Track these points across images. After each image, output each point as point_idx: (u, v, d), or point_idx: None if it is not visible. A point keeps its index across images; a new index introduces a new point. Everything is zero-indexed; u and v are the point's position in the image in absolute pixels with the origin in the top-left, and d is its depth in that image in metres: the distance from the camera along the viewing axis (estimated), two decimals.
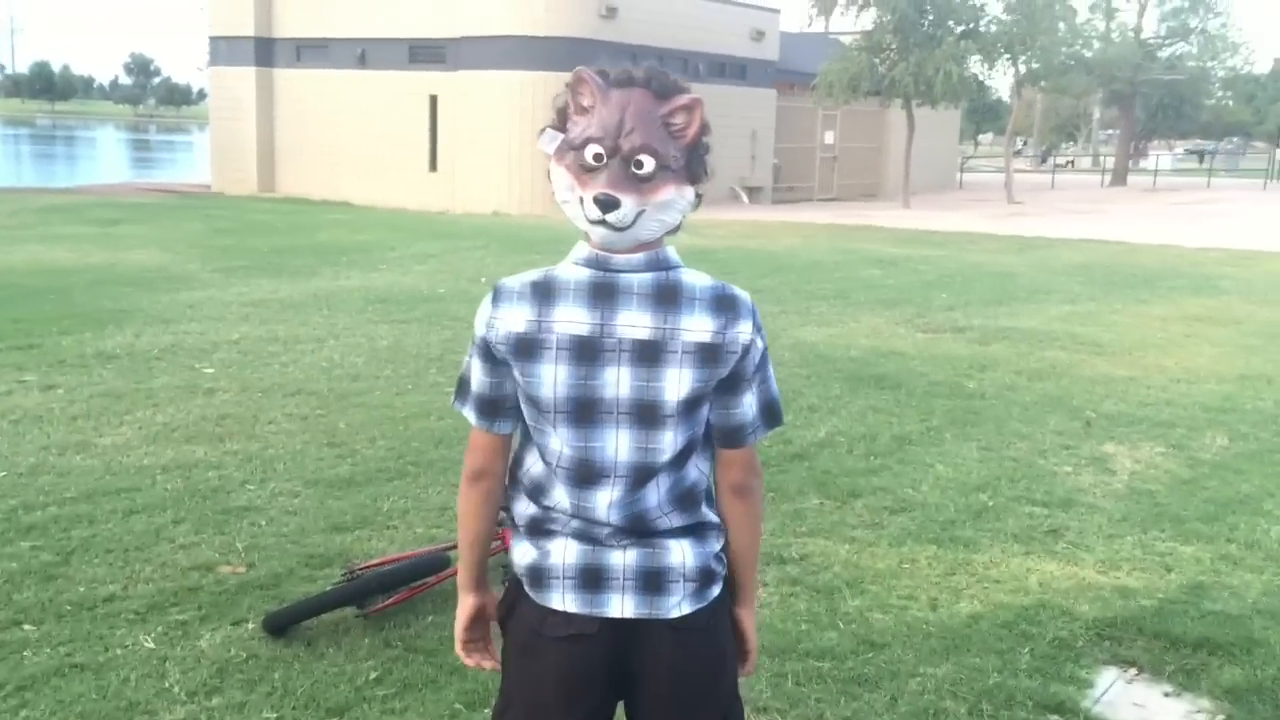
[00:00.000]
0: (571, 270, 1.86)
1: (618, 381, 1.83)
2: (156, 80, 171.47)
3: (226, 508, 4.75)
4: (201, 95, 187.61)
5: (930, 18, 25.06)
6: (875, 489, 5.26)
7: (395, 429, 6.03)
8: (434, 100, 25.11)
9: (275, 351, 7.82)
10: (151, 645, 3.54)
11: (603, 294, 1.83)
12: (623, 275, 1.83)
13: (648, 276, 1.83)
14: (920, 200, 27.57)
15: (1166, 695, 3.51)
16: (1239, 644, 3.76)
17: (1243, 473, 5.68)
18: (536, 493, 1.92)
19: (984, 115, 68.50)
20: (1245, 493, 5.37)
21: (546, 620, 1.89)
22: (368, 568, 3.87)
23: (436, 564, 3.86)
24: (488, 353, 1.89)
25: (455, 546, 3.71)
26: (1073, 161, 61.14)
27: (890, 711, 3.29)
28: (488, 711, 2.55)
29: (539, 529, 1.93)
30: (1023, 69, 28.24)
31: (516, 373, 1.87)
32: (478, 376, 1.92)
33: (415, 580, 3.83)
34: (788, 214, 23.31)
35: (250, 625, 3.68)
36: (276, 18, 27.29)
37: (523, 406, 1.90)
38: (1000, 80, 40.80)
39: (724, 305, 1.84)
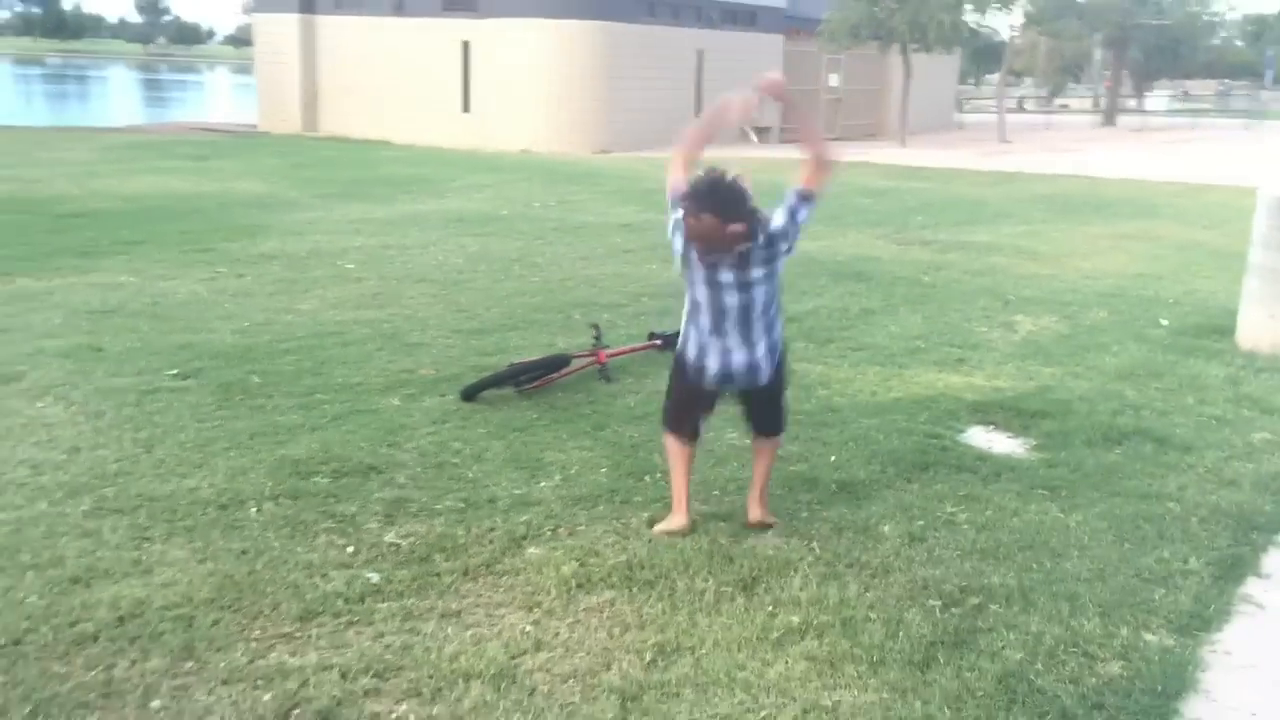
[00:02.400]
0: None
1: None
2: (166, 19, 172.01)
3: (406, 343, 7.12)
4: (211, 35, 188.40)
5: None
6: (844, 338, 7.60)
7: (500, 302, 8.38)
8: (466, 45, 27.16)
9: (392, 254, 10.17)
10: (398, 403, 5.90)
11: None
12: None
13: None
14: (918, 139, 29.65)
15: (1008, 436, 5.85)
16: (1058, 412, 6.09)
17: (1107, 332, 8.01)
18: None
19: (988, 57, 70.01)
20: (1102, 342, 7.70)
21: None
22: (521, 363, 6.22)
23: (561, 362, 6.23)
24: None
25: (571, 355, 6.07)
26: (1067, 105, 62.72)
27: (840, 437, 5.62)
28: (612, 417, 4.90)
29: None
30: (1016, 14, 30.18)
31: None
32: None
33: (549, 372, 6.18)
34: (793, 152, 25.37)
35: (450, 396, 6.03)
36: None
37: None
38: (1002, 23, 42.43)
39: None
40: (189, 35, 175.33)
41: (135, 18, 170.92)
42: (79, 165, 17.45)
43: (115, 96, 61.01)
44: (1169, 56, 50.82)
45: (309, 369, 6.45)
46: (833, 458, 5.28)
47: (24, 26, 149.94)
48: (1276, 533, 4.66)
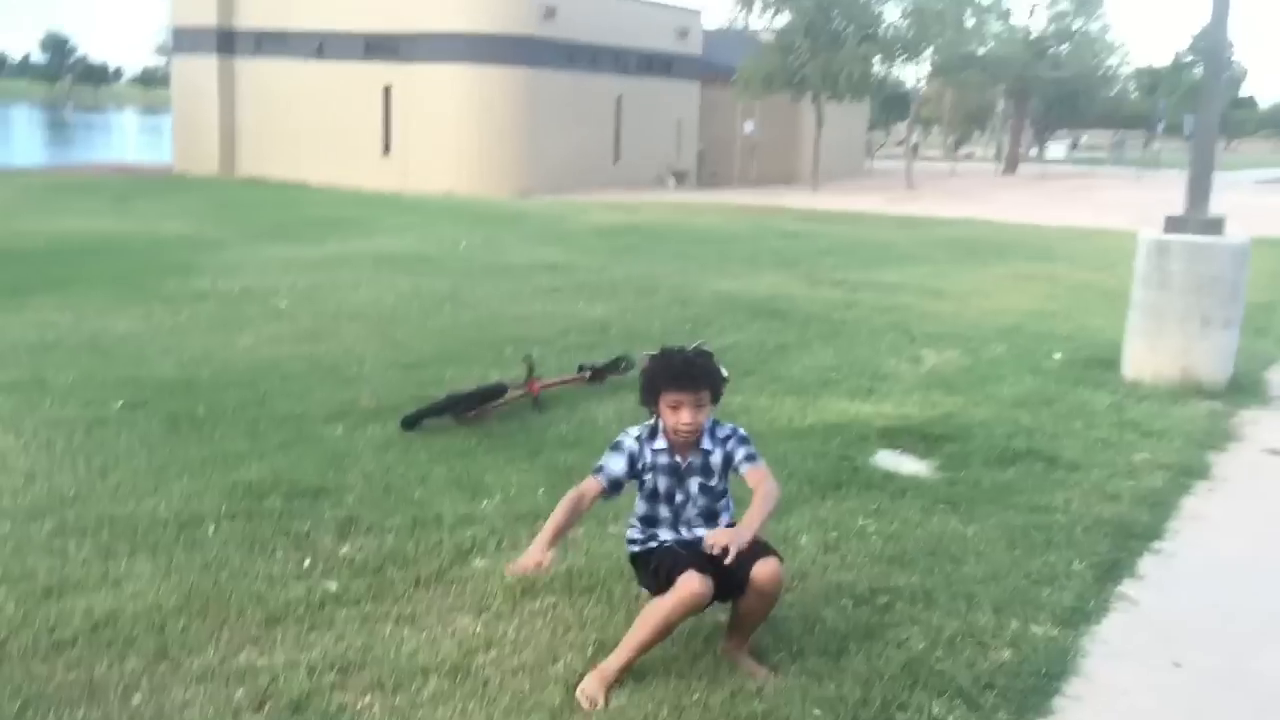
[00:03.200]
0: None
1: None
2: (73, 59, 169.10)
3: (345, 376, 7.40)
4: (118, 74, 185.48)
5: (835, 22, 28.05)
6: (762, 370, 8.06)
7: (434, 337, 8.70)
8: (387, 90, 27.50)
9: (324, 293, 10.43)
10: (340, 432, 6.19)
11: None
12: None
13: None
14: (829, 185, 30.63)
15: (914, 458, 6.32)
16: (959, 436, 6.58)
17: (1005, 365, 8.58)
18: None
19: (896, 106, 72.27)
20: (999, 374, 8.26)
21: None
22: (459, 393, 6.55)
23: (498, 391, 6.58)
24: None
25: (506, 387, 6.41)
26: (972, 153, 64.93)
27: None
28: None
29: None
30: (921, 67, 31.47)
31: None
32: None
33: (485, 401, 6.52)
34: (710, 197, 26.15)
35: (390, 425, 6.32)
36: (238, 9, 29.40)
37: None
38: (909, 75, 44.33)
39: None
40: (96, 75, 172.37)
41: (40, 56, 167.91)
42: None
43: (20, 136, 59.95)
44: (1068, 107, 53.10)
45: (252, 400, 6.70)
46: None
47: None
48: (1152, 540, 5.16)
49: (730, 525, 3.83)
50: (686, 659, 3.80)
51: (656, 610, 3.60)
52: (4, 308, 9.22)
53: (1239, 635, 4.30)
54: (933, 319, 10.38)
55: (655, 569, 3.78)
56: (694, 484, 3.86)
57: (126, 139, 62.63)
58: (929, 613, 4.21)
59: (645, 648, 3.63)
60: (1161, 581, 4.72)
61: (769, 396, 7.33)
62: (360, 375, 7.44)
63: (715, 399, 3.84)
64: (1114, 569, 4.76)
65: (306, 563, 4.43)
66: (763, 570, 3.61)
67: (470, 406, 6.46)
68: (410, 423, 6.27)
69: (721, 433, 3.92)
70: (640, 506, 3.93)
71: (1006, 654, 3.94)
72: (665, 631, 3.62)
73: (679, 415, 3.74)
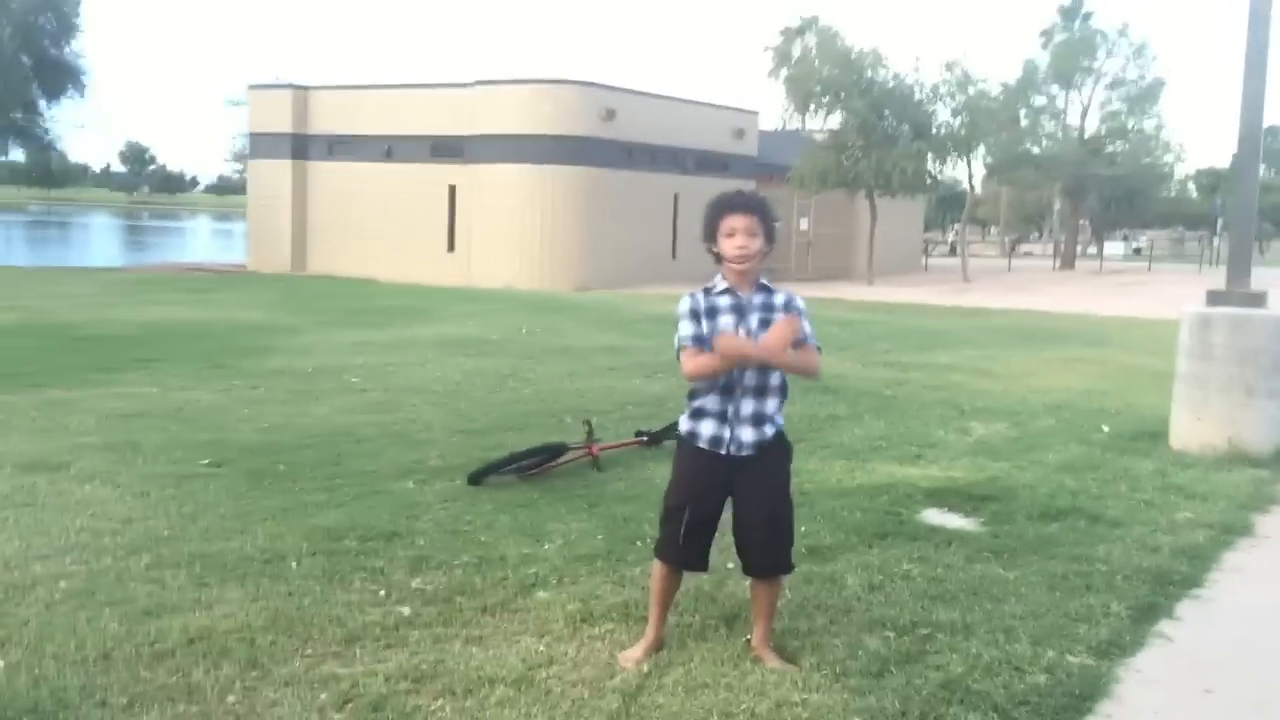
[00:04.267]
0: None
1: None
2: (151, 168, 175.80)
3: (414, 440, 7.79)
4: (194, 183, 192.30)
5: (887, 120, 28.69)
6: (813, 438, 8.32)
7: (497, 409, 9.10)
8: (452, 189, 28.46)
9: (393, 370, 10.91)
10: (411, 486, 6.56)
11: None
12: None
13: None
14: (885, 280, 30.98)
15: (959, 516, 6.53)
16: (1004, 496, 6.79)
17: (1053, 436, 8.77)
18: None
19: (953, 205, 72.89)
20: (1046, 443, 8.45)
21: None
22: (523, 451, 6.90)
23: (560, 450, 6.93)
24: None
25: (567, 446, 6.77)
26: (1030, 251, 65.11)
27: (809, 513, 6.29)
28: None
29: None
30: (976, 166, 31.97)
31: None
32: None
33: (549, 459, 6.87)
34: None
35: (458, 481, 6.68)
36: (311, 116, 30.75)
37: None
38: (964, 173, 44.90)
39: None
40: (173, 184, 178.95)
41: (120, 166, 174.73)
42: (83, 297, 18.27)
43: (98, 241, 62.37)
44: (1125, 206, 53.23)
45: (328, 460, 7.10)
46: (803, 528, 5.91)
47: (8, 175, 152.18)
48: (1191, 587, 5.33)
49: (781, 389, 4.21)
50: (737, 674, 4.05)
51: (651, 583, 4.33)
52: (97, 383, 9.79)
53: (1273, 669, 4.46)
54: (982, 395, 10.60)
55: (663, 512, 4.24)
56: (755, 319, 4.07)
57: (200, 242, 64.87)
58: (968, 642, 4.43)
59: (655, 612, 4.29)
60: (1198, 622, 4.89)
61: (819, 460, 7.60)
62: (428, 439, 7.84)
63: (769, 237, 4.11)
64: (1151, 611, 4.93)
65: (381, 593, 4.76)
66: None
67: (534, 464, 6.81)
68: (476, 478, 6.61)
69: (783, 292, 4.16)
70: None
71: (1042, 678, 4.14)
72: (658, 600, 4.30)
73: (734, 240, 4.03)
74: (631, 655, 4.17)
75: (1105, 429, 9.09)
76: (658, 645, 4.26)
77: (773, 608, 4.32)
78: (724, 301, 4.13)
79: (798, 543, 5.65)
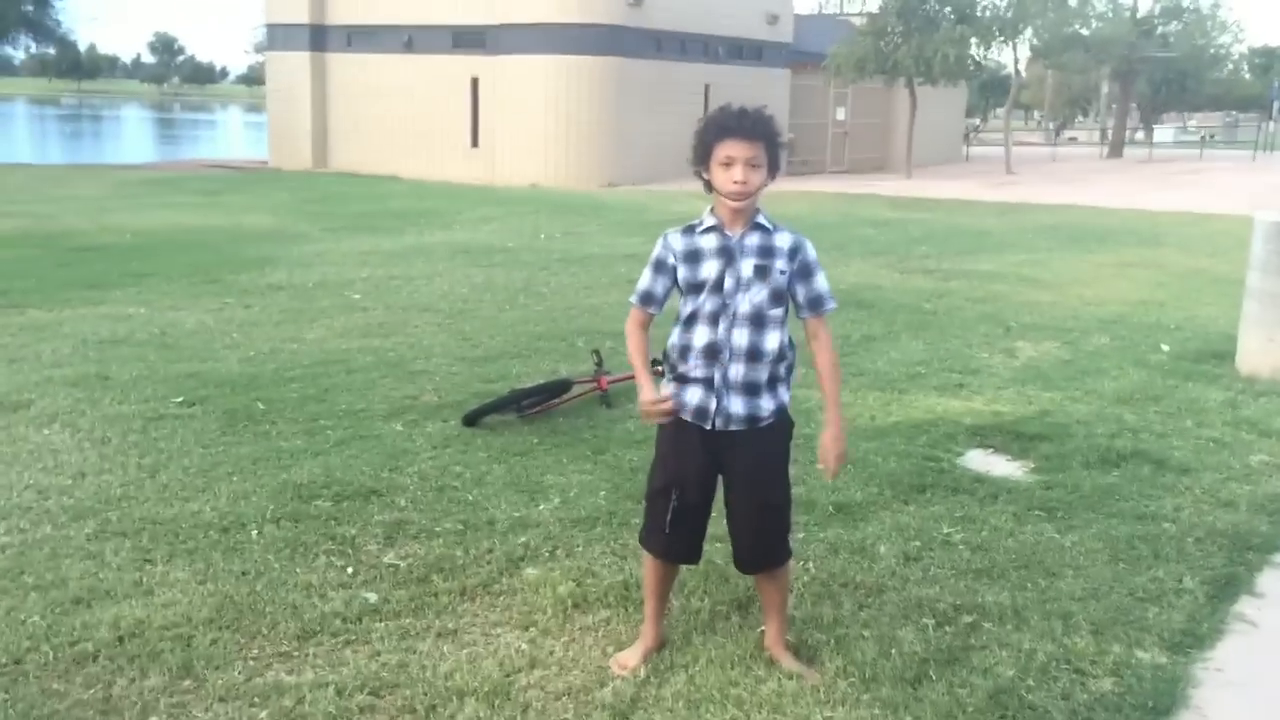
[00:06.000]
0: None
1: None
2: (180, 59, 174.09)
3: (410, 370, 7.18)
4: (224, 74, 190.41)
5: (929, 4, 27.22)
6: (845, 363, 7.62)
7: (504, 330, 8.45)
8: (475, 82, 27.44)
9: (398, 285, 10.27)
10: (400, 428, 5.96)
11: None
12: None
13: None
14: (924, 171, 29.82)
15: (1006, 459, 5.87)
16: (1057, 436, 6.11)
17: (1108, 358, 8.03)
18: None
19: (996, 90, 70.46)
20: (1101, 367, 7.72)
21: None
22: (523, 389, 6.27)
23: (563, 387, 6.29)
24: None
25: (573, 380, 6.13)
26: (1075, 138, 62.99)
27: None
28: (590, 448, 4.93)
29: None
30: (1021, 49, 30.44)
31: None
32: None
33: (551, 398, 6.24)
34: (800, 184, 25.55)
35: (452, 421, 6.08)
36: (329, 6, 29.64)
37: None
38: (1008, 58, 42.59)
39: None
40: (203, 75, 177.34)
41: (150, 58, 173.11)
42: (91, 201, 17.67)
43: (129, 135, 61.79)
44: (1176, 89, 51.05)
45: (313, 396, 6.51)
46: (829, 480, 5.31)
47: (40, 68, 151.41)
48: (1272, 553, 4.66)
49: (780, 357, 3.57)
50: (748, 683, 3.46)
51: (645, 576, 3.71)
52: (83, 302, 9.22)
53: None
54: (1030, 309, 9.83)
55: (647, 495, 3.61)
56: (747, 265, 3.37)
57: (231, 136, 64.11)
58: (1019, 634, 3.81)
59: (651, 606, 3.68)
60: None
61: (851, 392, 6.92)
62: (426, 370, 7.22)
63: (773, 167, 3.38)
64: (1230, 585, 4.29)
65: (349, 571, 4.19)
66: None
67: (536, 403, 6.19)
68: (472, 419, 6.02)
69: (787, 232, 3.45)
70: (674, 332, 3.50)
71: (1107, 683, 3.53)
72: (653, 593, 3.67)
73: (731, 172, 3.29)
74: (627, 661, 3.58)
75: (1165, 348, 8.34)
76: (657, 646, 3.66)
77: (783, 601, 3.69)
78: (709, 243, 3.39)
79: (824, 499, 5.06)
